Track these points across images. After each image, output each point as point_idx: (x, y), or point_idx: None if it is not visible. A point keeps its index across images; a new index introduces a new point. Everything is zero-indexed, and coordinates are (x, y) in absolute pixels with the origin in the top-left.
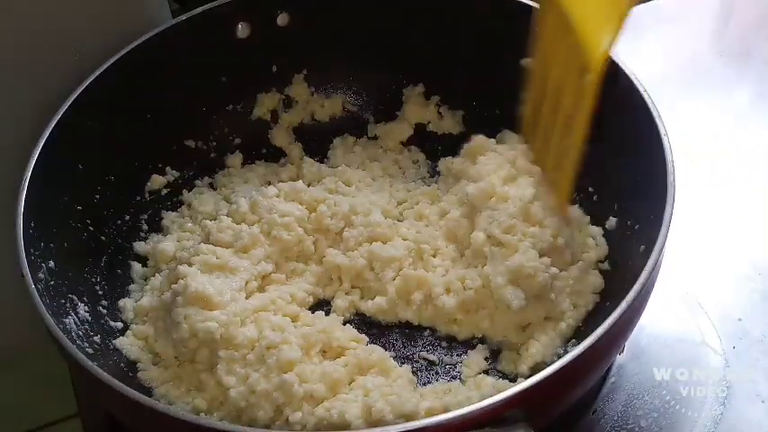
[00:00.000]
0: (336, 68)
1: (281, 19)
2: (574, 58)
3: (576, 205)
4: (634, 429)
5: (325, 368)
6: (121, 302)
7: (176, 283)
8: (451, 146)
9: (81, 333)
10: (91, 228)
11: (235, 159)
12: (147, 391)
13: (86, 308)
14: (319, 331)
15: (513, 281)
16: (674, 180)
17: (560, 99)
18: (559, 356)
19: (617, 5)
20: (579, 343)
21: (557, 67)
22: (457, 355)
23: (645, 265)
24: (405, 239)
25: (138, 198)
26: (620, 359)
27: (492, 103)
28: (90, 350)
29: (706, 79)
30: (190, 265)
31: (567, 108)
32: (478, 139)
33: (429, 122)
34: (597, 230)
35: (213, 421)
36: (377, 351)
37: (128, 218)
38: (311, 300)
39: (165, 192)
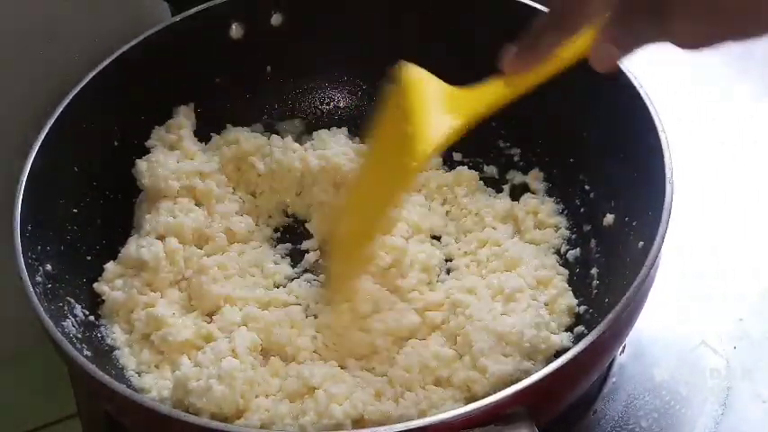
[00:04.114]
0: (333, 69)
1: (275, 19)
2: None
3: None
4: (635, 430)
5: None
6: None
7: None
8: None
9: (80, 335)
10: (88, 230)
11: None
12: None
13: (84, 310)
14: None
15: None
16: (671, 177)
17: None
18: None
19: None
20: (579, 341)
21: (385, 156)
22: None
23: (644, 261)
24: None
25: (135, 200)
26: (620, 359)
27: None
28: (89, 352)
29: (705, 79)
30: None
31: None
32: None
33: None
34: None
35: (213, 422)
36: None
37: (125, 220)
38: None
39: None
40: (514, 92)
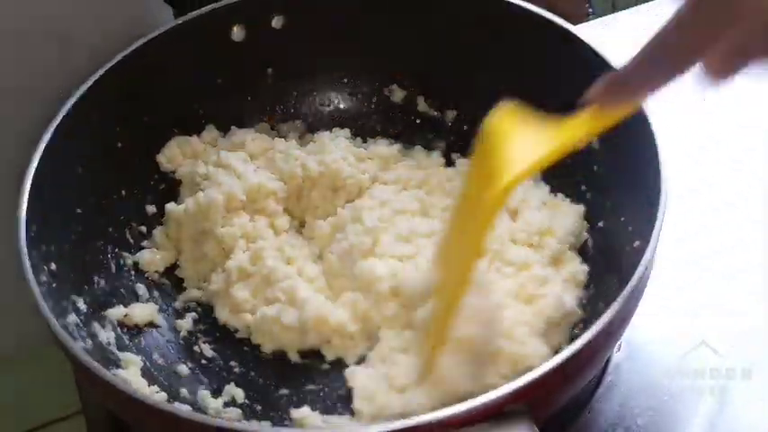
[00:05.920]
0: (333, 71)
1: (276, 22)
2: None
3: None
4: (631, 428)
5: None
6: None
7: None
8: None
9: (84, 334)
10: (92, 230)
11: None
12: None
13: (88, 308)
14: None
15: None
16: (666, 176)
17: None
18: None
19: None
20: (578, 338)
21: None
22: None
23: (640, 259)
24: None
25: (138, 200)
26: (616, 357)
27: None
28: (93, 350)
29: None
30: None
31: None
32: None
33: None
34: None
35: (217, 420)
36: None
37: (127, 220)
38: None
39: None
40: (601, 126)
